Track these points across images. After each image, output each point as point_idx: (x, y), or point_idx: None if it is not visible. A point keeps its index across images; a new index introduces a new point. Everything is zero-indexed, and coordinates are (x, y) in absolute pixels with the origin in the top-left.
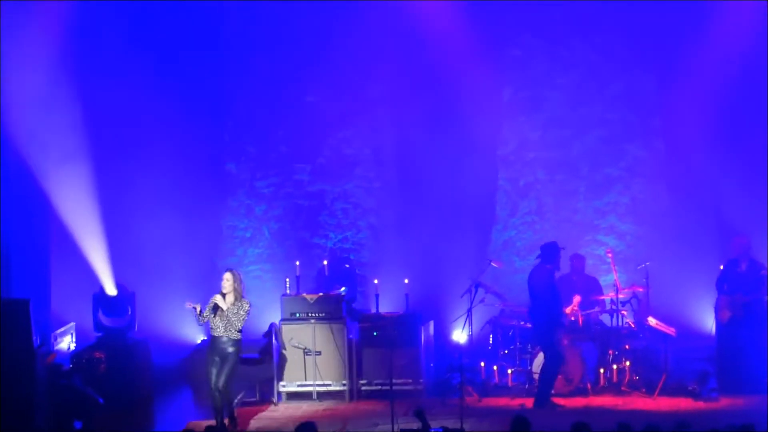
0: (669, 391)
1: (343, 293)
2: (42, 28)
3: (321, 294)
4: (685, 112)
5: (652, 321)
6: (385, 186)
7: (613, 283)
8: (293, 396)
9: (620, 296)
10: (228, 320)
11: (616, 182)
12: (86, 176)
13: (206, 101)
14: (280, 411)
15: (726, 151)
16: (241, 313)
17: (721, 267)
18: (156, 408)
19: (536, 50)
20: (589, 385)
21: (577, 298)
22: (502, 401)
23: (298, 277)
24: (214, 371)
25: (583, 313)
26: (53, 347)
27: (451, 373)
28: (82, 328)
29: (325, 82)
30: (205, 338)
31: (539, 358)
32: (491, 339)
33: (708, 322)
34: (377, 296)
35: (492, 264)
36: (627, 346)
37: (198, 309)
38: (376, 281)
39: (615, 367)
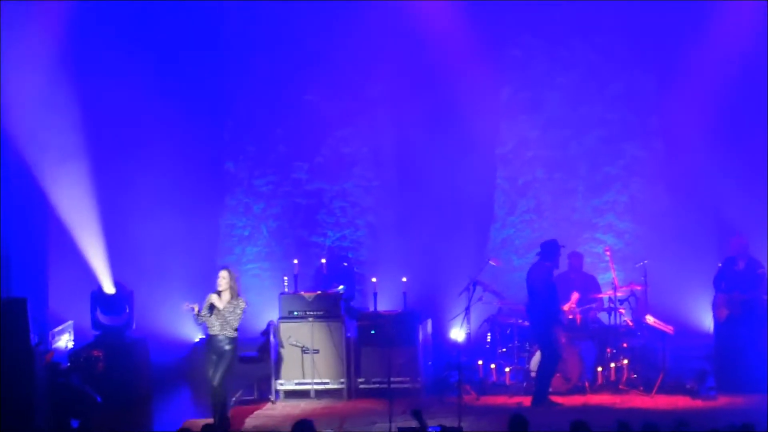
0: (667, 389)
1: (341, 292)
2: (42, 28)
3: (319, 292)
4: (684, 112)
5: (650, 319)
6: (384, 185)
7: (612, 281)
8: (291, 394)
9: (618, 294)
10: (224, 319)
11: (614, 181)
12: (85, 175)
13: (205, 100)
14: (278, 409)
15: (725, 151)
16: (237, 311)
17: (719, 265)
18: (154, 406)
19: (535, 50)
20: (587, 384)
21: (575, 296)
22: (500, 399)
23: (296, 276)
24: (212, 370)
25: (581, 308)
26: (51, 346)
27: (449, 371)
28: (80, 326)
29: (324, 81)
30: (203, 337)
31: (537, 357)
32: (489, 337)
33: (706, 321)
34: (375, 294)
35: (490, 262)
36: (625, 345)
37: (196, 309)
38: (374, 279)
39: (613, 365)
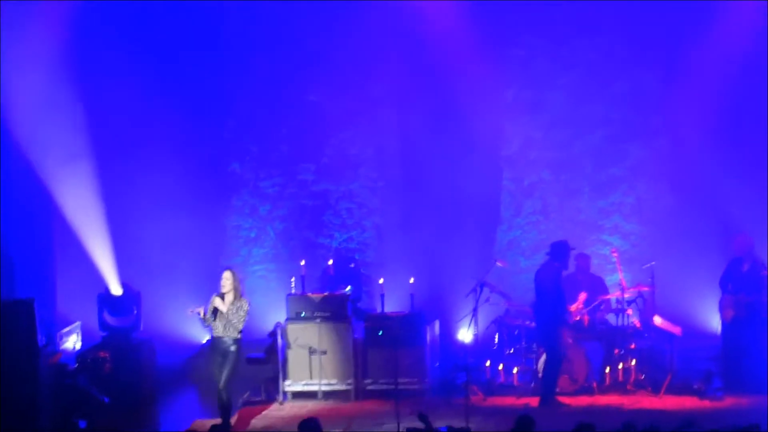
0: (674, 390)
1: (348, 293)
2: (43, 28)
3: (326, 294)
4: (688, 111)
5: (657, 320)
6: (390, 186)
7: (619, 282)
8: (299, 395)
9: (626, 296)
10: (227, 320)
11: (620, 182)
12: (90, 176)
13: (210, 101)
14: (286, 410)
15: (730, 150)
16: (241, 313)
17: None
18: (161, 407)
19: (539, 50)
20: (594, 384)
21: (583, 296)
22: (508, 400)
23: (303, 277)
24: (217, 371)
25: (588, 308)
26: (58, 347)
27: (456, 372)
28: (87, 327)
29: (329, 81)
30: (210, 338)
31: (544, 358)
32: (496, 338)
33: (713, 322)
34: (382, 296)
35: (497, 263)
36: (632, 346)
37: (201, 312)
38: (381, 281)
39: (620, 366)
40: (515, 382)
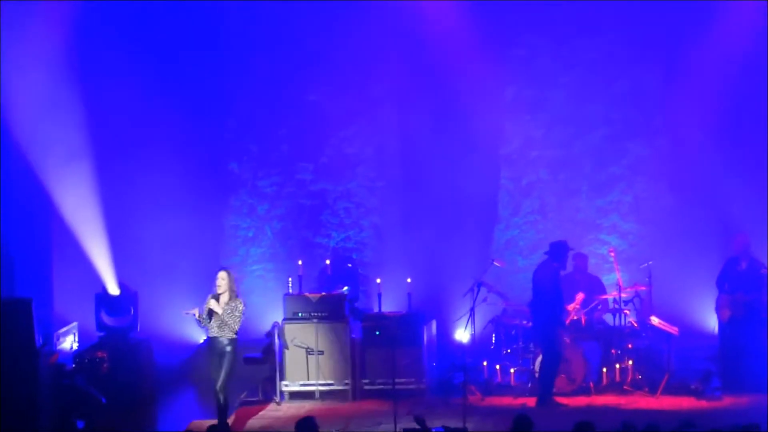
0: (672, 390)
1: (345, 293)
2: (43, 28)
3: (323, 293)
4: (688, 111)
5: (654, 320)
6: (388, 185)
7: (616, 282)
8: (296, 395)
9: (623, 295)
10: (222, 321)
11: (618, 181)
12: (88, 175)
13: (208, 100)
14: (283, 410)
15: (729, 150)
16: (236, 313)
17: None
18: (158, 408)
19: (540, 49)
20: (591, 385)
21: (580, 296)
22: (505, 400)
23: (300, 277)
24: (215, 372)
25: (585, 310)
26: (56, 347)
27: (453, 372)
28: (84, 327)
29: (328, 81)
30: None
31: (541, 358)
32: (494, 338)
33: (711, 321)
34: (380, 296)
35: (494, 263)
36: (630, 346)
37: (196, 313)
38: (378, 281)
39: (618, 366)
40: (512, 382)
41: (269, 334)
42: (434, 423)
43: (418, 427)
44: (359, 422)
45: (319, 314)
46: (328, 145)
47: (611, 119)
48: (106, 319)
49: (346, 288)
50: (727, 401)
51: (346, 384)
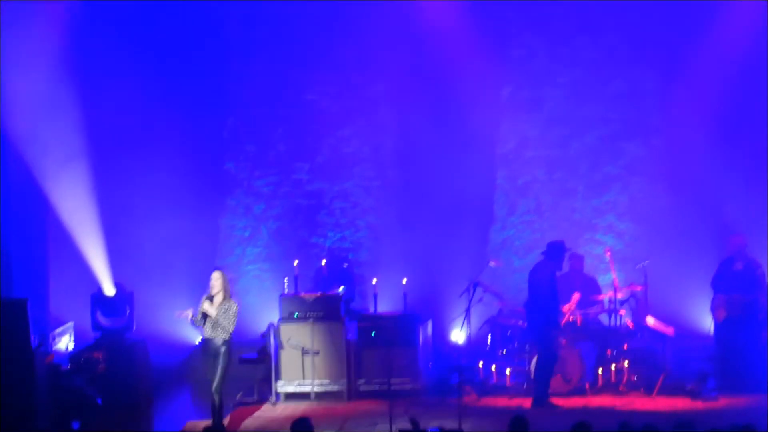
0: (668, 390)
1: (341, 293)
2: (42, 28)
3: (319, 294)
4: (685, 111)
5: (650, 320)
6: (384, 185)
7: (612, 282)
8: (292, 396)
9: (619, 296)
10: (216, 322)
11: (614, 181)
12: (84, 176)
13: (205, 100)
14: (279, 411)
15: (725, 150)
16: (230, 314)
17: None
18: (154, 408)
19: (536, 49)
20: (587, 385)
21: (576, 296)
22: (501, 401)
23: (296, 277)
24: (210, 372)
25: (581, 311)
26: (51, 347)
27: (449, 372)
28: (80, 328)
29: (324, 80)
30: (201, 339)
31: (537, 358)
32: (489, 339)
33: (707, 322)
34: (375, 296)
35: (490, 263)
36: (625, 346)
37: (189, 314)
38: (374, 281)
39: (613, 366)
40: (508, 383)
41: (265, 335)
42: (430, 423)
43: (412, 428)
44: (355, 423)
45: (315, 314)
46: (325, 144)
47: (608, 119)
48: (102, 320)
49: (342, 288)
50: (723, 402)
51: (342, 384)
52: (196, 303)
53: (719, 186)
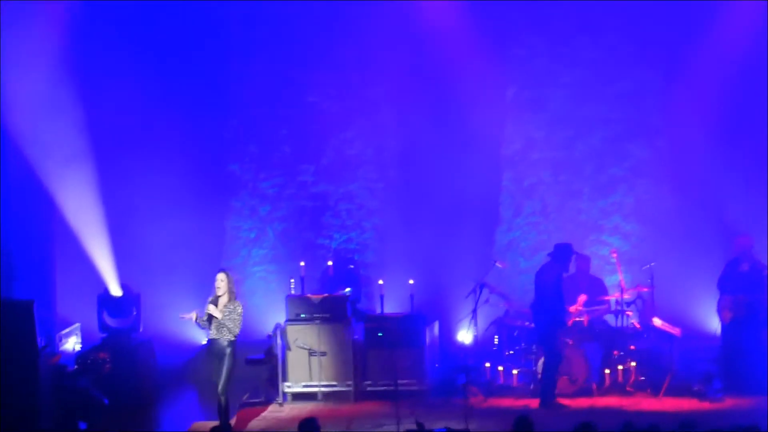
0: (674, 391)
1: (347, 294)
2: (44, 29)
3: (326, 295)
4: (689, 112)
5: (657, 321)
6: (389, 187)
7: (618, 283)
8: (298, 396)
9: (625, 297)
10: (221, 324)
11: (620, 182)
12: (90, 177)
13: (209, 101)
14: (285, 411)
15: (731, 151)
16: (235, 316)
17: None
18: (161, 409)
19: (540, 49)
20: (594, 386)
21: (582, 298)
22: (507, 402)
23: (302, 278)
24: (215, 373)
25: (588, 309)
26: (58, 348)
27: (455, 373)
28: (87, 329)
29: (328, 82)
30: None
31: (544, 359)
32: (496, 339)
33: (713, 323)
34: (382, 297)
35: (497, 264)
36: (632, 347)
37: (194, 317)
38: (380, 282)
39: (620, 367)
40: (514, 384)
41: (271, 336)
42: (436, 424)
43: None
44: (361, 423)
45: (322, 315)
46: (330, 146)
47: (612, 120)
48: (109, 321)
49: (348, 289)
50: (729, 402)
51: (348, 385)
52: (203, 304)
53: (725, 187)
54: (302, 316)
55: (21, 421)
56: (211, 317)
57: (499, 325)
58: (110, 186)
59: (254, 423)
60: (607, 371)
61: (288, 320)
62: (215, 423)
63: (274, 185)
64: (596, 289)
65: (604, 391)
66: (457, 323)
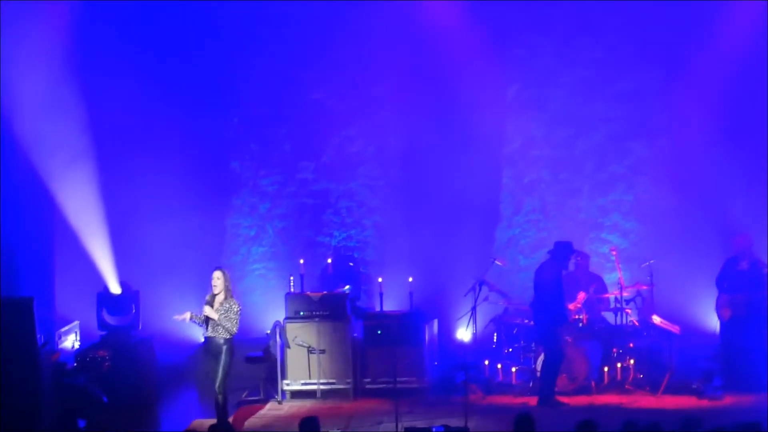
0: (673, 389)
1: (347, 292)
2: (45, 29)
3: (325, 292)
4: (689, 110)
5: (656, 319)
6: (390, 184)
7: (618, 281)
8: (297, 394)
9: (624, 294)
10: (217, 323)
11: (620, 180)
12: (90, 175)
13: (210, 100)
14: (285, 409)
15: (730, 150)
16: (231, 315)
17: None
18: (160, 407)
19: (541, 48)
20: (593, 384)
21: (581, 295)
22: (506, 399)
23: (302, 276)
24: (212, 371)
25: (587, 308)
26: (57, 346)
27: (455, 371)
28: (86, 326)
29: (330, 80)
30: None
31: (543, 357)
32: (495, 337)
33: (712, 320)
34: (381, 294)
35: (496, 262)
36: (631, 345)
37: (187, 318)
38: (380, 279)
39: (619, 365)
40: (514, 381)
41: (271, 333)
42: (435, 422)
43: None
44: (360, 421)
45: (321, 313)
46: (330, 144)
47: (612, 118)
48: (108, 318)
49: (347, 287)
50: (729, 400)
51: (348, 383)
52: (201, 301)
53: (724, 185)
54: (301, 313)
55: (21, 419)
56: (208, 319)
57: (498, 322)
58: (110, 183)
59: (253, 421)
60: (606, 369)
61: (287, 318)
62: (214, 421)
63: (274, 183)
64: (596, 286)
65: (603, 389)
66: (457, 321)
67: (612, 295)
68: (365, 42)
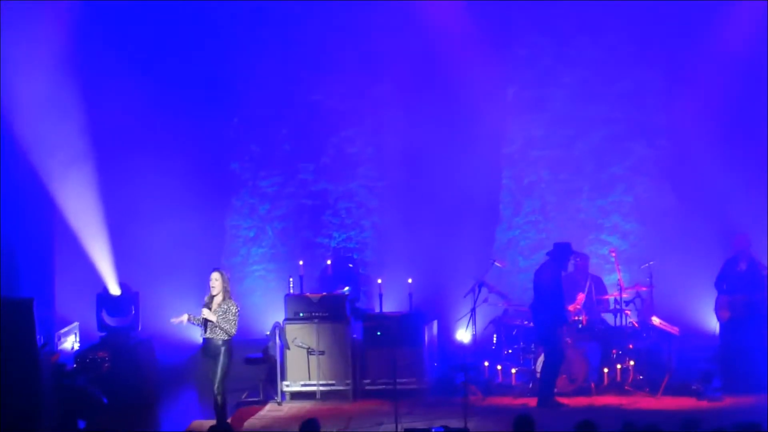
0: (673, 390)
1: (346, 293)
2: (46, 30)
3: (324, 294)
4: (689, 111)
5: (655, 320)
6: (389, 185)
7: (617, 282)
8: (297, 396)
9: (624, 296)
10: (215, 324)
11: (620, 181)
12: (89, 176)
13: (210, 101)
14: (284, 410)
15: (731, 151)
16: (229, 316)
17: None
18: (160, 408)
19: (541, 49)
20: (592, 385)
21: (581, 297)
22: (506, 400)
23: (301, 277)
24: (211, 372)
25: (586, 310)
26: (57, 347)
27: (454, 372)
28: (85, 327)
29: (329, 81)
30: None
31: (542, 358)
32: (495, 338)
33: (712, 322)
34: (381, 296)
35: (496, 263)
36: (630, 346)
37: (185, 320)
38: (379, 281)
39: (618, 366)
40: (513, 383)
41: (270, 335)
42: (435, 423)
43: (419, 427)
44: (360, 422)
45: (320, 314)
46: (330, 145)
47: (612, 119)
48: (108, 319)
49: (347, 288)
50: (728, 401)
51: (347, 384)
52: (201, 302)
53: (724, 186)
54: (301, 315)
55: (20, 421)
56: (206, 321)
57: (497, 324)
58: (110, 184)
59: (253, 422)
60: (605, 370)
61: (287, 319)
62: (214, 422)
63: (273, 184)
64: (595, 287)
65: (602, 390)
66: (456, 322)
67: (611, 296)
68: (365, 43)
